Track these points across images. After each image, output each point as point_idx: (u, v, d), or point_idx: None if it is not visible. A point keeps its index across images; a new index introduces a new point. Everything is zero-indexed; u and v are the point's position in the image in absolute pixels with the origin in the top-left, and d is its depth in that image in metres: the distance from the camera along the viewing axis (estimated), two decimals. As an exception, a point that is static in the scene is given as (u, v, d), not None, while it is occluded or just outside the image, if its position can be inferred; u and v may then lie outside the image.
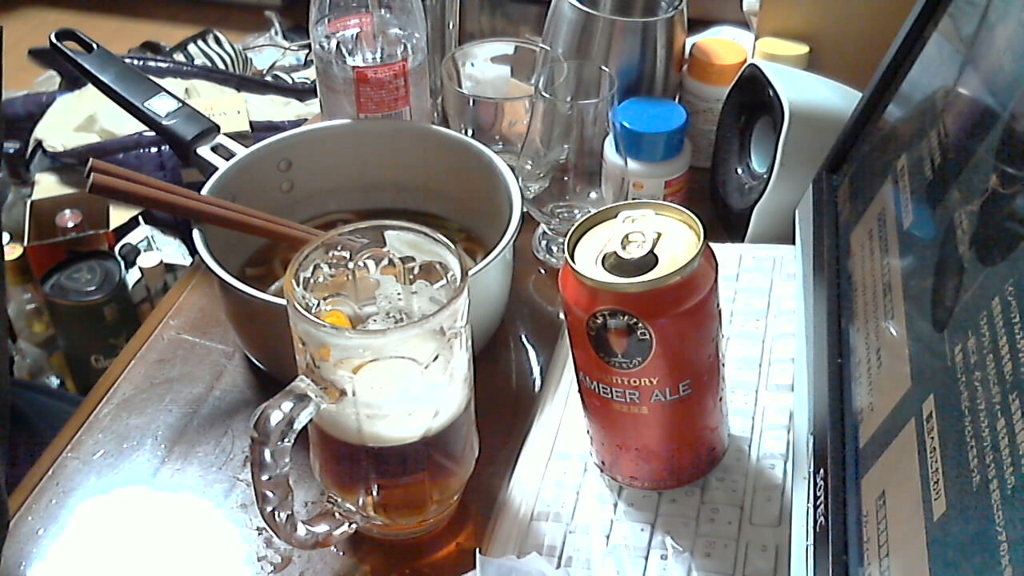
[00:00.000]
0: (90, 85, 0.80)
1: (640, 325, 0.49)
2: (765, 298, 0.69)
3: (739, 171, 0.80)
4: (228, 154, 0.75)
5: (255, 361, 0.70)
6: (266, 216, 0.71)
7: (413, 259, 0.53)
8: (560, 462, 0.60)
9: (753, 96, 0.78)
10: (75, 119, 1.61)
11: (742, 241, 0.76)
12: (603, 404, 0.54)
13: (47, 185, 1.57)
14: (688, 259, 0.48)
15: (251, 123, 1.56)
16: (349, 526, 0.56)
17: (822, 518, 0.49)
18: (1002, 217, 0.44)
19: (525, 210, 0.70)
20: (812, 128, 0.72)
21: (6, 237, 1.52)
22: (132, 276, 1.44)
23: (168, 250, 1.48)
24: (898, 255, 0.55)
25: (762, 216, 0.75)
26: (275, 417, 0.48)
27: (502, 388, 0.70)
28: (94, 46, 0.80)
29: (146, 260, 1.43)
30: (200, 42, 2.07)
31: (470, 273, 0.52)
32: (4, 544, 0.54)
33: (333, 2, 0.75)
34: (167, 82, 1.59)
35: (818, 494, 0.50)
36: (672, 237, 0.50)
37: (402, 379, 0.50)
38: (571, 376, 0.58)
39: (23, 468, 0.64)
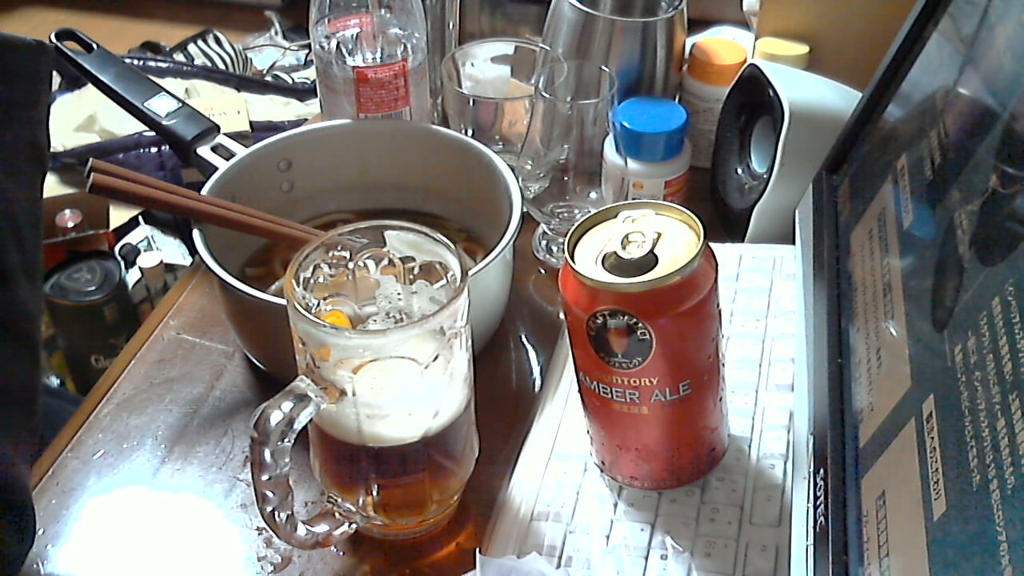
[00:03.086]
0: (90, 85, 0.80)
1: (640, 325, 0.49)
2: (765, 298, 0.69)
3: (739, 171, 0.80)
4: (228, 154, 0.75)
5: (255, 361, 0.70)
6: (266, 216, 0.71)
7: (413, 259, 0.53)
8: (560, 462, 0.60)
9: (753, 96, 0.78)
10: (75, 119, 1.61)
11: (742, 241, 0.76)
12: (603, 404, 0.54)
13: (47, 185, 1.56)
14: (688, 259, 0.48)
15: (251, 123, 1.56)
16: (349, 526, 0.56)
17: (822, 518, 0.49)
18: (1002, 217, 0.44)
19: (525, 210, 0.70)
20: (812, 128, 0.72)
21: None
22: (132, 276, 1.44)
23: (168, 250, 1.48)
24: (898, 255, 0.55)
25: (762, 216, 0.75)
26: (275, 417, 0.48)
27: (502, 388, 0.70)
28: (94, 46, 0.80)
29: (146, 260, 1.42)
30: (200, 42, 2.07)
31: (470, 273, 0.52)
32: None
33: (333, 2, 0.75)
34: (167, 82, 1.59)
35: (818, 494, 0.50)
36: (672, 237, 0.50)
37: (402, 379, 0.50)
38: (571, 376, 0.58)
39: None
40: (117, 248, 1.49)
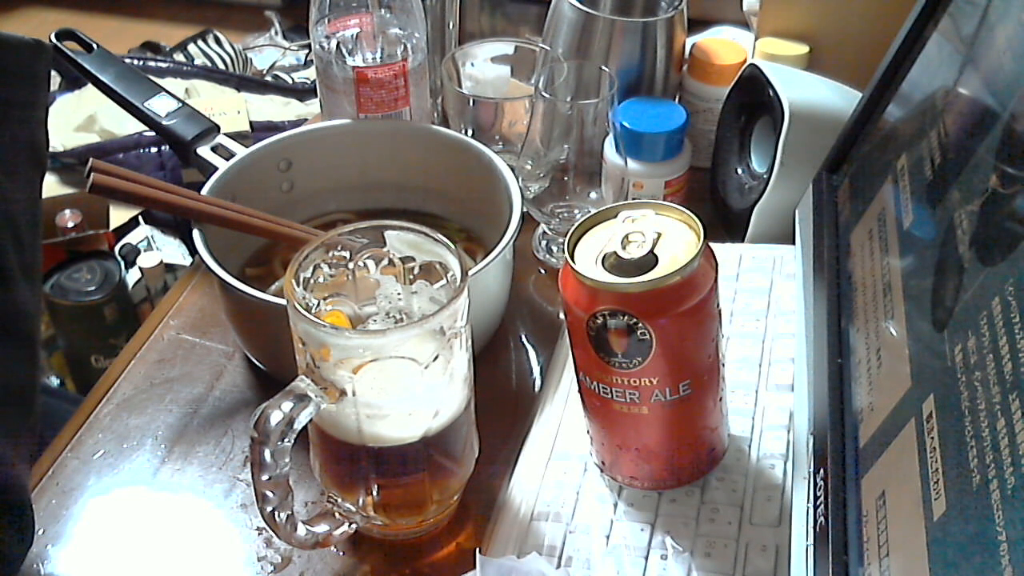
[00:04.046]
0: (90, 85, 0.80)
1: (640, 325, 0.49)
2: (765, 298, 0.69)
3: (739, 171, 0.80)
4: (228, 154, 0.75)
5: (255, 361, 0.70)
6: (266, 216, 0.71)
7: (413, 259, 0.53)
8: (560, 462, 0.60)
9: (753, 96, 0.78)
10: (75, 119, 1.61)
11: (742, 241, 0.76)
12: (603, 404, 0.54)
13: (47, 185, 1.55)
14: (688, 259, 0.48)
15: (251, 123, 1.56)
16: (349, 526, 0.56)
17: (822, 518, 0.49)
18: (1002, 217, 0.44)
19: (525, 210, 0.70)
20: (812, 128, 0.72)
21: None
22: (132, 276, 1.44)
23: (168, 250, 1.48)
24: (898, 255, 0.55)
25: (762, 216, 0.75)
26: (275, 417, 0.48)
27: (502, 388, 0.70)
28: (94, 46, 0.80)
29: (146, 260, 1.42)
30: (200, 42, 2.07)
31: (470, 273, 0.52)
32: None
33: (333, 2, 0.75)
34: (167, 82, 1.59)
35: (818, 494, 0.50)
36: (672, 237, 0.50)
37: (402, 379, 0.50)
38: (571, 376, 0.58)
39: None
40: (117, 248, 1.49)
